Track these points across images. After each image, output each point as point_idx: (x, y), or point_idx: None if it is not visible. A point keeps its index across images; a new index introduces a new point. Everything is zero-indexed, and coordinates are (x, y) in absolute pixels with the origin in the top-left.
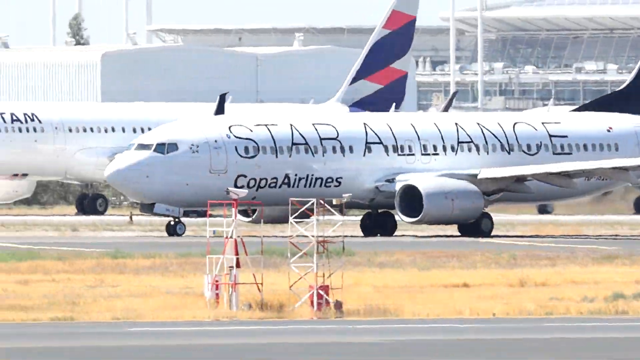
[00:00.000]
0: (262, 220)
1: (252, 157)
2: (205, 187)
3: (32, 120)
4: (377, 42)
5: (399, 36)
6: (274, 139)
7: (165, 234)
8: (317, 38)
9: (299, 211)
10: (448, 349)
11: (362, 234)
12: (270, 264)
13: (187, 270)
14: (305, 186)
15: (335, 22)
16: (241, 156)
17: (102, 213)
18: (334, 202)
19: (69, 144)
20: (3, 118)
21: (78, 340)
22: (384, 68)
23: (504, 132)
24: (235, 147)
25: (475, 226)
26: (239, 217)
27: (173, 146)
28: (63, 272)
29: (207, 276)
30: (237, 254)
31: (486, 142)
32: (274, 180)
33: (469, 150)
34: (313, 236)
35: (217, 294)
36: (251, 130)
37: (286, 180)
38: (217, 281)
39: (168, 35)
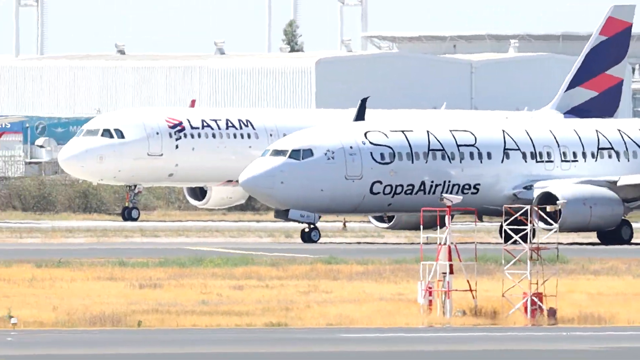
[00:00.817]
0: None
1: (388, 163)
2: (341, 193)
3: (247, 126)
4: (593, 49)
5: (614, 43)
6: (410, 145)
7: (380, 240)
8: (532, 45)
9: (512, 218)
10: None
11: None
12: (484, 271)
13: (400, 277)
14: (441, 193)
15: (550, 29)
16: (377, 162)
17: None
18: (548, 209)
19: None
20: (218, 124)
21: (292, 346)
22: (599, 75)
23: None
24: (371, 153)
25: (615, 233)
26: (375, 222)
27: (308, 152)
28: (277, 278)
29: (420, 282)
30: (450, 260)
31: (627, 148)
32: (410, 187)
33: (609, 157)
34: (532, 243)
35: (430, 301)
36: (387, 137)
37: (422, 187)
38: (430, 288)
39: (383, 42)
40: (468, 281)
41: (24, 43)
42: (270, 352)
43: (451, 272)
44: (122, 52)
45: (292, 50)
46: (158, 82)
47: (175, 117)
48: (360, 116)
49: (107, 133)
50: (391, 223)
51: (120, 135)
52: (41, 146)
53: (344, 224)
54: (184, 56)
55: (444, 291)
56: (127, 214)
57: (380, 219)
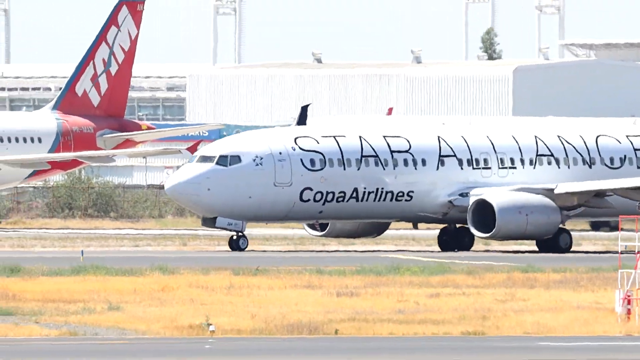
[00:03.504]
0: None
1: (319, 169)
2: (269, 200)
3: None
4: None
5: None
6: (341, 151)
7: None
8: None
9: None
10: None
11: (439, 249)
12: None
13: (597, 285)
14: (374, 200)
15: None
16: (307, 168)
17: None
18: None
19: None
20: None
21: (489, 355)
22: None
23: (586, 146)
24: (301, 159)
25: (553, 242)
26: (309, 230)
27: (236, 158)
28: (473, 287)
29: (618, 291)
30: None
31: (567, 155)
32: (342, 194)
33: (549, 163)
34: None
35: (628, 309)
36: (318, 142)
37: (354, 194)
38: (629, 296)
39: (580, 50)
40: None
41: (222, 52)
42: None
43: None
44: (319, 60)
45: (490, 58)
46: (355, 91)
47: None
48: (301, 122)
49: None
50: (325, 231)
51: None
52: None
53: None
54: (381, 64)
55: None
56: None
57: (312, 227)
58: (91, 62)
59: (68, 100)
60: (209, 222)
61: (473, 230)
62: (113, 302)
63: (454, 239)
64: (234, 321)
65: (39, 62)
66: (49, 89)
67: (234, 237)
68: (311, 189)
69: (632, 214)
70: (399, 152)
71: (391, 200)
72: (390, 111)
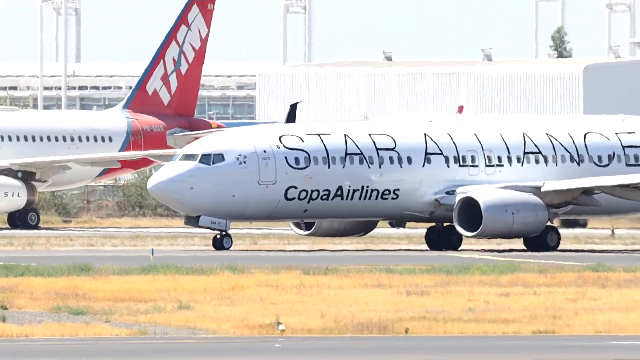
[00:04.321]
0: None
1: (303, 168)
2: (254, 199)
3: None
4: None
5: None
6: (326, 149)
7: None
8: None
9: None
10: None
11: (427, 248)
12: None
13: None
14: (360, 198)
15: None
16: (291, 167)
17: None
18: None
19: None
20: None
21: (560, 354)
22: None
23: (574, 143)
24: (285, 158)
25: (540, 240)
26: (295, 229)
27: (219, 157)
28: (544, 285)
29: None
30: None
31: (555, 153)
32: (326, 192)
33: (536, 161)
34: None
35: None
36: (302, 140)
37: (339, 193)
38: None
39: None
40: None
41: (292, 50)
42: None
43: None
44: (389, 58)
45: (560, 56)
46: (425, 89)
47: None
48: (290, 120)
49: None
50: (312, 230)
51: None
52: None
53: (612, 231)
54: (451, 62)
55: None
56: None
57: (298, 226)
58: (161, 61)
59: (138, 99)
60: (193, 221)
61: (459, 229)
62: (183, 301)
63: (442, 237)
64: (304, 320)
65: (109, 61)
66: (120, 88)
67: (218, 237)
68: (296, 187)
69: (620, 212)
70: (384, 149)
71: (377, 198)
72: (460, 109)
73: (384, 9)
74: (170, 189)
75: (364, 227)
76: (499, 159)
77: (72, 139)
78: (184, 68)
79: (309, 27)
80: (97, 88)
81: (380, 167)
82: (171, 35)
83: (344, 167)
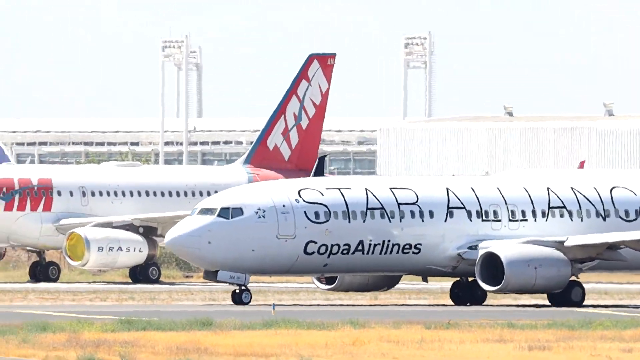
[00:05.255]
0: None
1: (323, 222)
2: (273, 253)
3: None
4: None
5: None
6: (346, 203)
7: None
8: None
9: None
10: None
11: (452, 303)
12: None
13: None
14: (381, 253)
15: None
16: (311, 221)
17: None
18: None
19: None
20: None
21: None
22: None
23: (600, 197)
24: (305, 212)
25: (564, 295)
26: (317, 283)
27: (238, 210)
28: None
29: None
30: None
31: (580, 207)
32: (347, 246)
33: (561, 216)
34: None
35: None
36: (322, 194)
37: (360, 247)
38: None
39: None
40: None
41: (412, 105)
42: None
43: None
44: (510, 113)
45: None
46: (546, 144)
47: None
48: (318, 173)
49: None
50: (334, 285)
51: None
52: None
53: None
54: (573, 117)
55: None
56: None
57: (319, 280)
58: (282, 116)
59: (259, 154)
60: (211, 275)
61: (481, 284)
62: (305, 355)
63: (467, 292)
64: None
65: (230, 116)
66: (240, 143)
67: (237, 291)
68: (315, 242)
69: None
70: (405, 204)
71: (398, 252)
72: (582, 164)
73: (505, 63)
74: (187, 244)
75: (387, 282)
76: (523, 213)
77: (194, 194)
78: (304, 123)
79: (429, 82)
80: (217, 143)
81: (401, 221)
82: (292, 91)
83: (364, 221)
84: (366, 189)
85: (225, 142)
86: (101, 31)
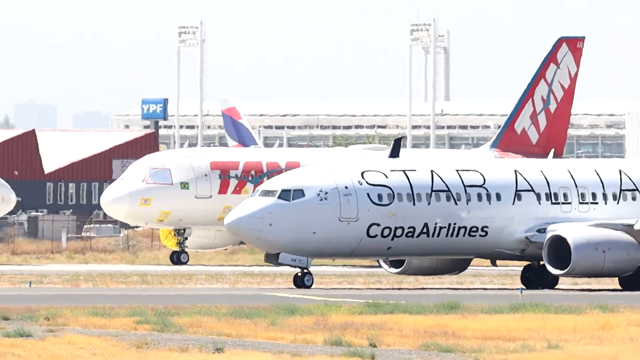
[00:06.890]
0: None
1: (387, 204)
2: (335, 236)
3: None
4: None
5: None
6: (411, 186)
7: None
8: None
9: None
10: None
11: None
12: None
13: None
14: (447, 236)
15: None
16: (374, 203)
17: None
18: None
19: None
20: None
21: None
22: None
23: None
24: (368, 194)
25: (634, 279)
26: (385, 267)
27: (299, 192)
28: None
29: None
30: None
31: None
32: (411, 229)
33: (633, 199)
34: None
35: None
36: (386, 177)
37: (425, 230)
38: None
39: None
40: None
41: None
42: None
43: None
44: None
45: None
46: None
47: None
48: (394, 154)
49: None
50: (402, 268)
51: None
52: None
53: None
54: None
55: None
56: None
57: (391, 263)
58: (530, 99)
59: (507, 138)
60: (272, 258)
61: (549, 267)
62: (552, 340)
63: (538, 276)
64: None
65: (478, 100)
66: (488, 127)
67: (299, 274)
68: (379, 225)
69: None
70: (472, 186)
71: (464, 235)
72: None
73: None
74: (248, 225)
75: (457, 266)
76: (594, 196)
77: None
78: (552, 107)
79: None
80: (465, 127)
81: (467, 203)
82: (540, 74)
83: (429, 203)
84: (432, 171)
85: (473, 127)
86: (352, 17)
